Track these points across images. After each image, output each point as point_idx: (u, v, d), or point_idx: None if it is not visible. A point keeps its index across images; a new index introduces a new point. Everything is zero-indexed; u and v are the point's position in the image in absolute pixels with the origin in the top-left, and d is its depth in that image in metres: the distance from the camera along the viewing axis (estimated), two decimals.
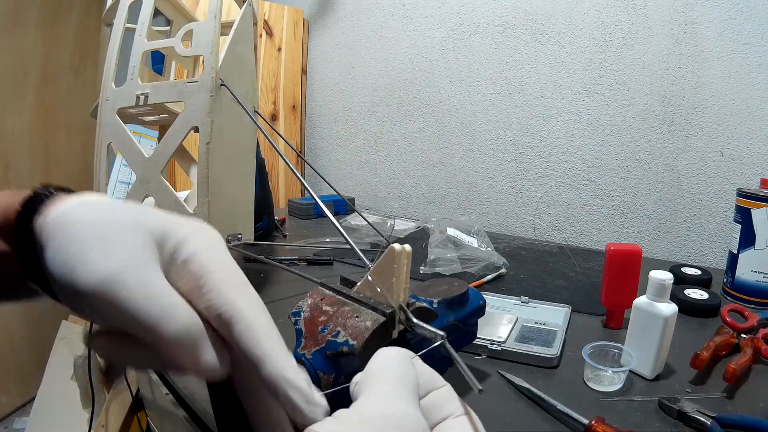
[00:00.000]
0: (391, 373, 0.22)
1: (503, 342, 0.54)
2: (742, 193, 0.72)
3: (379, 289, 0.31)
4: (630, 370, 0.49)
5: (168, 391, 0.97)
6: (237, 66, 0.62)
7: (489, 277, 0.78)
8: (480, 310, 0.45)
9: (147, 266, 0.22)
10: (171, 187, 0.56)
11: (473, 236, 0.90)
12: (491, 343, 0.54)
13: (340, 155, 1.53)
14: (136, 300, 0.21)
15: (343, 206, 1.29)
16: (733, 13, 0.85)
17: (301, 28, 1.52)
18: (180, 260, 0.24)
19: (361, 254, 0.49)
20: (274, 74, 1.48)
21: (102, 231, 0.22)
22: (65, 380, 1.52)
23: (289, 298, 0.69)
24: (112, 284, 0.21)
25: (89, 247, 0.22)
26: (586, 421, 0.40)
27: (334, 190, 0.85)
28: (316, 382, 0.29)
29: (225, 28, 0.64)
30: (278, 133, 1.04)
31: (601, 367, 0.47)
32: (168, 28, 0.75)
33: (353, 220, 1.15)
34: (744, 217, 0.71)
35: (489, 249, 0.87)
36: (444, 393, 0.23)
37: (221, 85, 0.57)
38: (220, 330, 0.23)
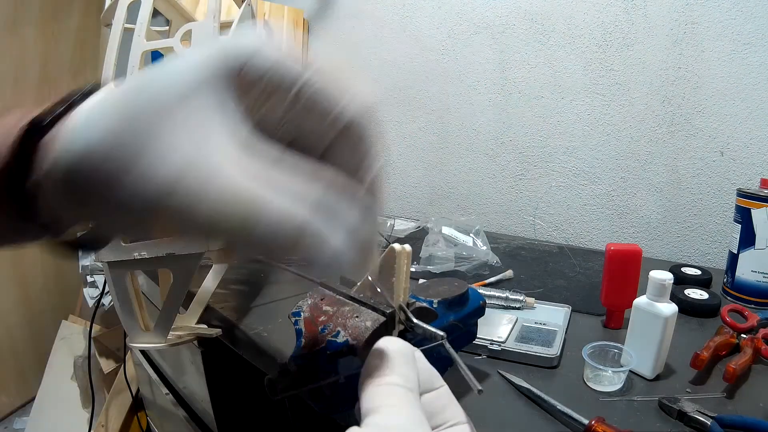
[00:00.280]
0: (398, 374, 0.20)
1: (503, 342, 0.54)
2: (742, 193, 0.72)
3: (379, 289, 0.31)
4: (630, 370, 0.49)
5: (168, 391, 0.97)
6: None
7: (493, 279, 0.78)
8: (480, 310, 0.45)
9: (216, 151, 0.18)
10: None
11: (471, 236, 0.91)
12: (491, 343, 0.54)
13: None
14: (198, 204, 0.17)
15: None
16: (733, 13, 0.85)
17: (301, 28, 1.52)
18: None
19: None
20: None
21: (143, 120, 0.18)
22: (65, 380, 1.52)
23: (289, 298, 0.69)
24: (170, 193, 0.17)
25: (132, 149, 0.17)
26: (586, 421, 0.40)
27: None
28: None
29: (224, 28, 0.64)
30: None
31: (601, 367, 0.47)
32: (167, 28, 0.75)
33: None
34: (744, 217, 0.71)
35: (485, 248, 0.87)
36: (442, 396, 0.22)
37: None
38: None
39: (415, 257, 0.83)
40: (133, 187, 0.18)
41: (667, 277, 0.49)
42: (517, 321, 0.60)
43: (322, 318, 0.31)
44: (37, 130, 0.20)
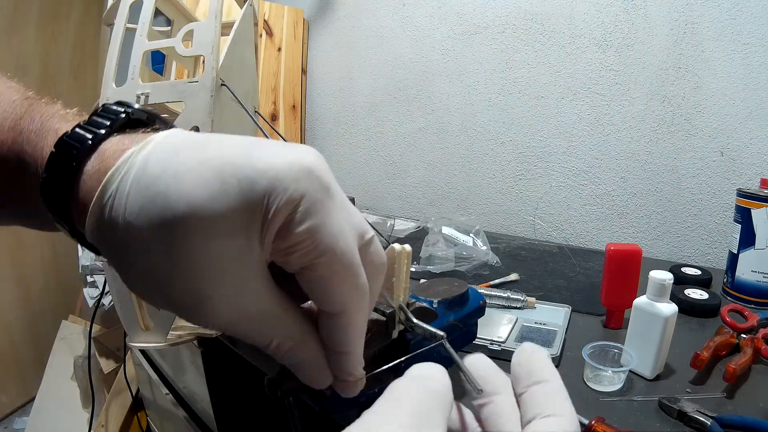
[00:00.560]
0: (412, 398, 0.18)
1: (503, 342, 0.54)
2: (742, 193, 0.72)
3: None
4: (630, 370, 0.49)
5: (168, 391, 0.97)
6: (237, 66, 0.62)
7: (497, 281, 0.78)
8: (480, 310, 0.45)
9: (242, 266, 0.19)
10: None
11: (471, 236, 0.91)
12: (491, 343, 0.54)
13: (340, 155, 1.53)
14: (228, 320, 0.19)
15: None
16: (733, 13, 0.85)
17: (301, 28, 1.52)
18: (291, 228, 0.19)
19: None
20: (274, 74, 1.48)
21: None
22: (65, 380, 1.52)
23: None
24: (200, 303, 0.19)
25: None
26: (586, 421, 0.40)
27: None
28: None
29: (225, 28, 0.64)
30: (278, 133, 1.04)
31: (601, 367, 0.47)
32: (169, 28, 0.75)
33: None
34: (744, 217, 0.71)
35: (485, 248, 0.87)
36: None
37: (222, 85, 0.57)
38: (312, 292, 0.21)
39: (415, 257, 0.83)
40: (178, 300, 0.19)
41: (667, 277, 0.49)
42: (517, 321, 0.60)
43: None
44: (80, 146, 0.20)
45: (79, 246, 1.41)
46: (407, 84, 1.32)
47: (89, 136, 0.21)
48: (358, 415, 0.17)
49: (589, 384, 0.48)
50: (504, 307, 0.65)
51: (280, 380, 0.25)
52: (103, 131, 0.21)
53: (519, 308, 0.64)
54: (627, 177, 1.01)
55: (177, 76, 0.83)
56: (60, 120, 0.22)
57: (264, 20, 1.44)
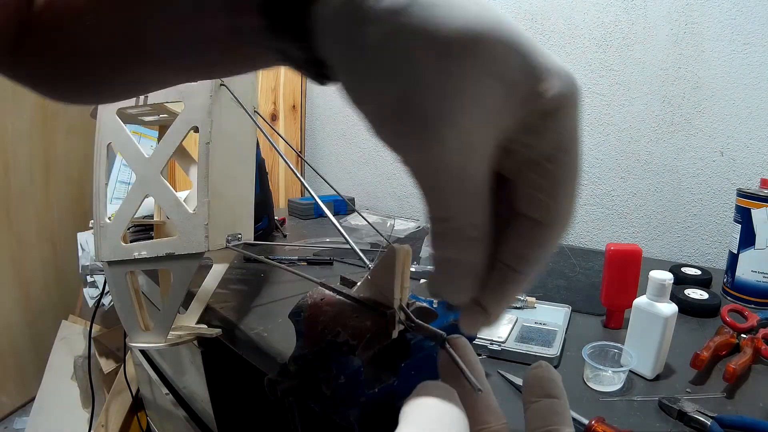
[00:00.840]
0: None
1: (503, 342, 0.54)
2: (742, 193, 0.72)
3: (379, 289, 0.31)
4: (630, 370, 0.49)
5: (168, 391, 0.97)
6: None
7: None
8: None
9: None
10: (171, 187, 0.56)
11: None
12: (491, 343, 0.54)
13: (340, 155, 1.53)
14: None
15: (343, 206, 1.29)
16: (733, 13, 0.85)
17: None
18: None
19: (361, 254, 0.49)
20: (274, 74, 1.48)
21: None
22: (65, 380, 1.52)
23: (289, 298, 0.69)
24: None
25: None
26: (586, 421, 0.40)
27: (334, 190, 0.85)
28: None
29: None
30: (278, 133, 1.04)
31: (601, 367, 0.47)
32: None
33: (353, 220, 1.15)
34: (744, 217, 0.71)
35: None
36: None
37: (221, 84, 0.57)
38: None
39: (415, 257, 0.83)
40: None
41: (667, 277, 0.49)
42: (517, 321, 0.60)
43: (322, 318, 0.31)
44: None
45: (79, 246, 1.42)
46: None
47: None
48: (358, 415, 0.17)
49: (589, 384, 0.48)
50: None
51: (279, 380, 0.25)
52: None
53: (519, 308, 0.64)
54: (627, 177, 1.01)
55: None
56: None
57: None
